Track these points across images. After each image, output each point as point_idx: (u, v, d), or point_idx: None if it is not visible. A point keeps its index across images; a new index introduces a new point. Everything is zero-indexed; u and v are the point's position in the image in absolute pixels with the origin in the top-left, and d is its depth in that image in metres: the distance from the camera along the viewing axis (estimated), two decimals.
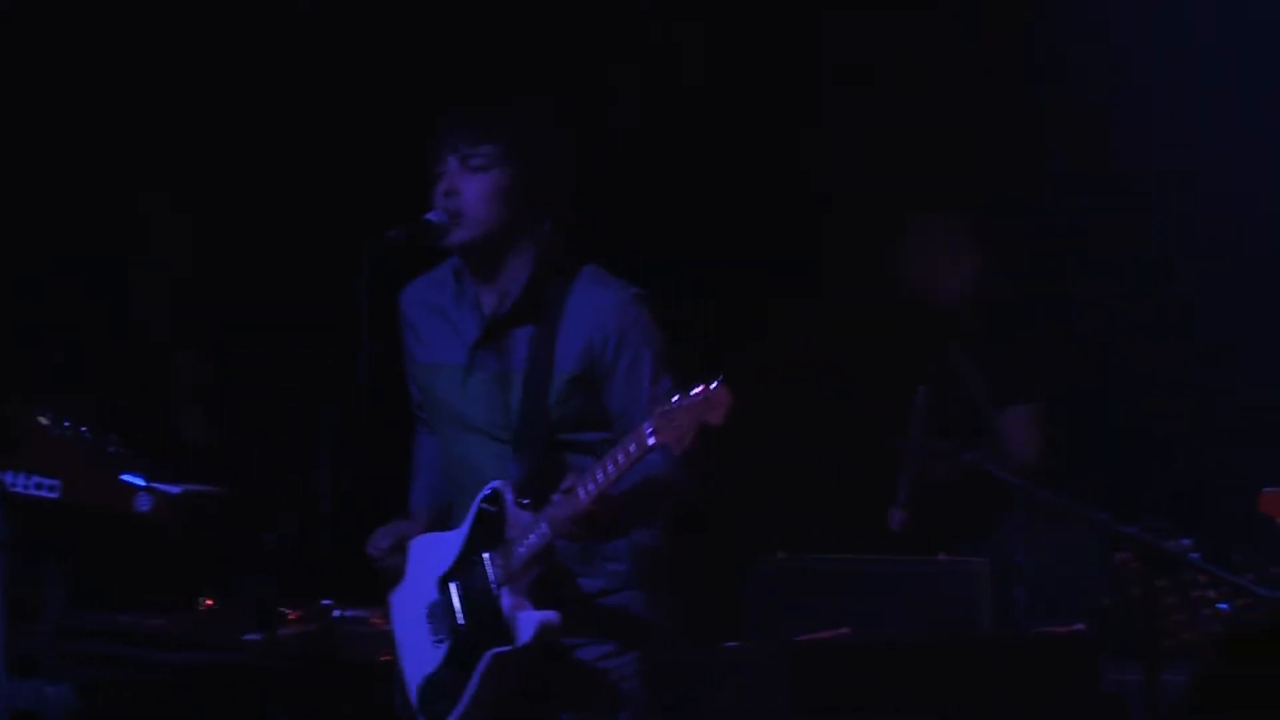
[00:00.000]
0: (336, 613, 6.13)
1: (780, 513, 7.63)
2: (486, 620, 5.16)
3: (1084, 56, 7.72)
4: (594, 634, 5.25)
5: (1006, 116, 7.75)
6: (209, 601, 6.27)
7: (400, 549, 5.37)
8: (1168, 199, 7.69)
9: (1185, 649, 4.89)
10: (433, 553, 5.31)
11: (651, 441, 4.91)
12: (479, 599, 5.19)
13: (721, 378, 4.93)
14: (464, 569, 5.22)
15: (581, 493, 5.00)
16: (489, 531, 5.18)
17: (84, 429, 5.39)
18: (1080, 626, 5.85)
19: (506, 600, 5.14)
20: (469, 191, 5.12)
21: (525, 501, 5.13)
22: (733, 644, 6.02)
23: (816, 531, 7.29)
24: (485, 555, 5.18)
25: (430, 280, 5.37)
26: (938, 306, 7.08)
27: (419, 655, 5.31)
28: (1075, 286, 7.85)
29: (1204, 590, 4.91)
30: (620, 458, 4.96)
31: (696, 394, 4.91)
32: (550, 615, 5.15)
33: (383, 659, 5.59)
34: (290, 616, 6.11)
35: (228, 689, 5.98)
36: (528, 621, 5.15)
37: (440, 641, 5.24)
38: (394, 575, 5.38)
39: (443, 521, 5.39)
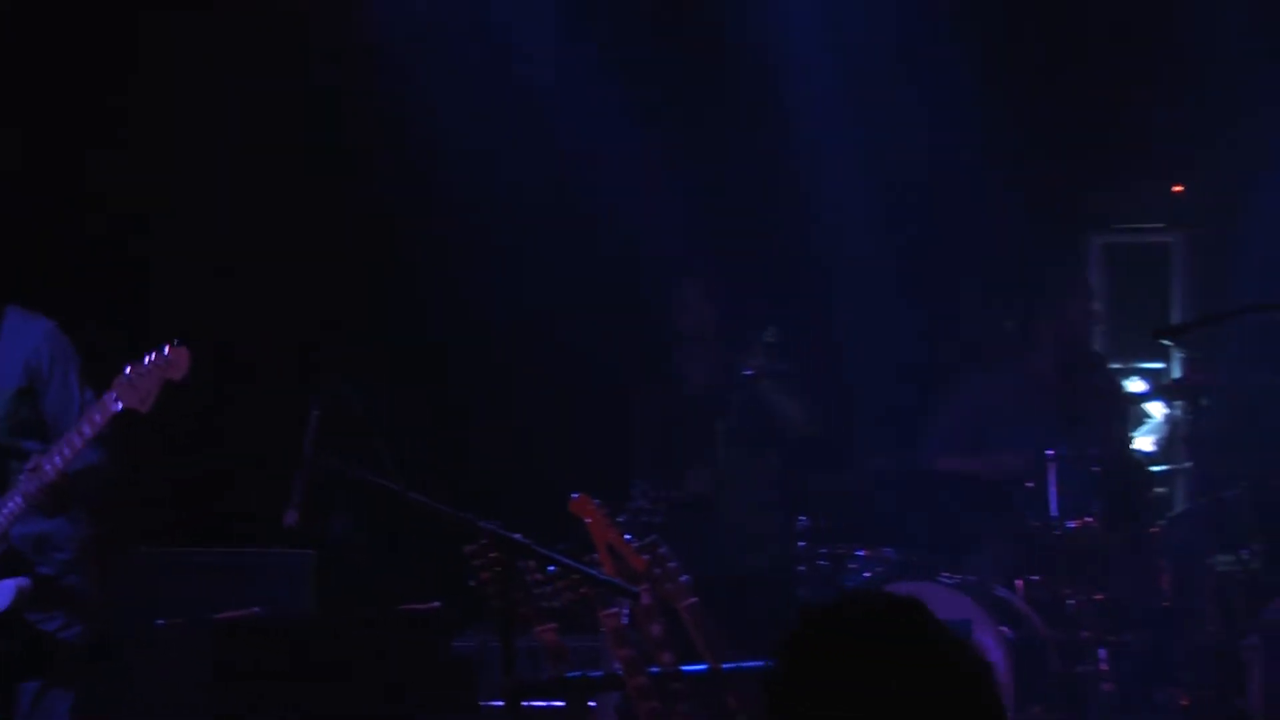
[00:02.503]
0: None
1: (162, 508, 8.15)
2: None
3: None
4: (50, 610, 6.01)
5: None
6: None
7: None
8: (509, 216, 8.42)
9: (525, 620, 5.50)
10: None
11: (118, 407, 5.68)
12: None
13: (178, 339, 5.65)
14: None
15: (48, 466, 5.78)
16: None
17: None
18: (437, 604, 6.32)
19: None
20: None
21: None
22: (161, 621, 6.56)
23: (198, 525, 7.92)
24: None
25: None
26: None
27: None
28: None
29: (534, 574, 5.59)
30: (86, 429, 5.74)
31: (156, 357, 5.66)
32: (24, 580, 5.83)
33: None
34: None
35: None
36: (4, 589, 5.80)
37: None
38: None
39: None
